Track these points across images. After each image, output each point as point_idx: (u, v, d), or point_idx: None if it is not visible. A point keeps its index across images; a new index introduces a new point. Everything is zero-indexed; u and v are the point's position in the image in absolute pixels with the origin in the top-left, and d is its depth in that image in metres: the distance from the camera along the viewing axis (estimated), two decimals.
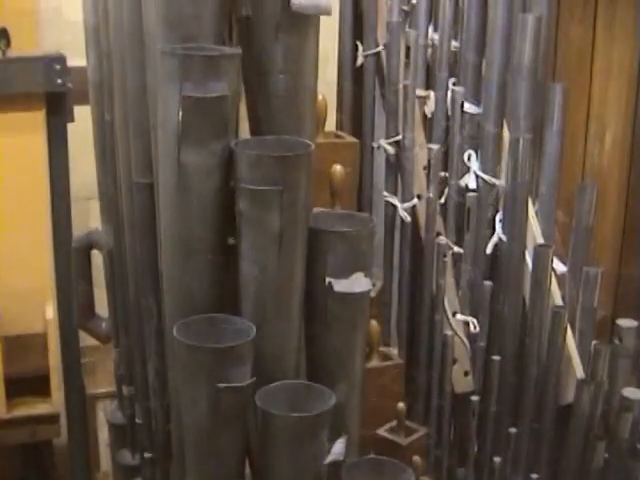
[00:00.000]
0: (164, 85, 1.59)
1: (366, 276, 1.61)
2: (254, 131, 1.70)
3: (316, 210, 1.67)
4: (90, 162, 2.88)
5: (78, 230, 3.30)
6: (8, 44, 3.40)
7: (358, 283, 1.60)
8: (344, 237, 1.59)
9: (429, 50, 2.62)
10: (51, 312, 2.80)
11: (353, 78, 2.72)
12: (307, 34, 1.68)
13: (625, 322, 2.41)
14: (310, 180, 1.56)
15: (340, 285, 1.59)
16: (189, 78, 1.54)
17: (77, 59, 3.11)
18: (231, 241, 1.62)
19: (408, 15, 2.61)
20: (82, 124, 3.26)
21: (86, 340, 2.84)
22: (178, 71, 1.54)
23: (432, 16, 2.62)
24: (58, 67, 3.35)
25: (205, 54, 1.56)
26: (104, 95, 2.50)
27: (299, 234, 1.55)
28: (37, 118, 3.38)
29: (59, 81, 3.35)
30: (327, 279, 1.58)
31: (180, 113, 1.55)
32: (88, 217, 3.66)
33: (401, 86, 2.46)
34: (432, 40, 2.60)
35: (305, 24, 1.66)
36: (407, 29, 2.50)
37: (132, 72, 2.04)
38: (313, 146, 1.56)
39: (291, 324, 1.60)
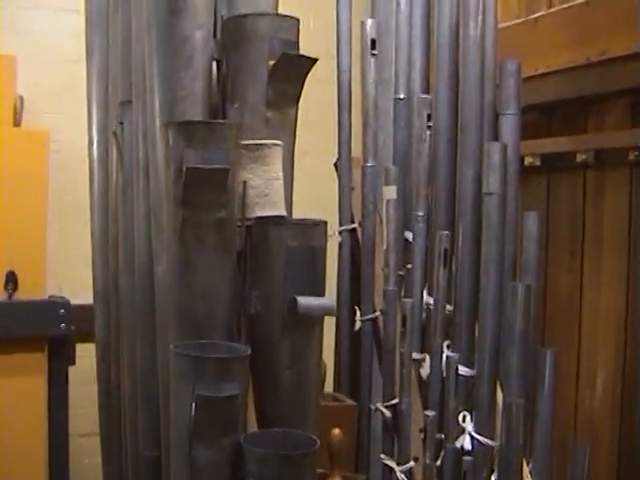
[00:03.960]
0: (177, 382, 1.67)
1: None
2: (261, 423, 1.77)
3: None
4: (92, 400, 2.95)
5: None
6: (15, 287, 3.53)
7: None
8: None
9: (424, 313, 2.72)
10: None
11: (351, 341, 2.82)
12: (312, 332, 1.79)
13: None
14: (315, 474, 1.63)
15: None
16: (202, 378, 1.62)
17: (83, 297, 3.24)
18: None
19: (404, 279, 2.73)
20: (84, 362, 3.36)
21: None
22: (191, 372, 1.63)
23: (427, 280, 2.73)
24: (62, 312, 3.47)
25: (217, 356, 1.65)
26: (111, 354, 2.59)
27: None
28: (38, 360, 3.46)
29: (62, 325, 3.45)
30: None
31: (193, 411, 1.62)
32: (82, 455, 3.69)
33: (397, 353, 2.55)
34: (427, 304, 2.71)
35: (310, 323, 1.77)
36: (403, 298, 2.61)
37: (142, 345, 2.13)
38: (318, 443, 1.63)
39: None
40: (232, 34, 1.92)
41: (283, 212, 1.85)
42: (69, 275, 3.92)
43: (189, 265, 1.75)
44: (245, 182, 1.81)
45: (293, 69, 1.88)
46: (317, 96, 3.38)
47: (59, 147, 3.86)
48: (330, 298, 1.78)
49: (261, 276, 1.80)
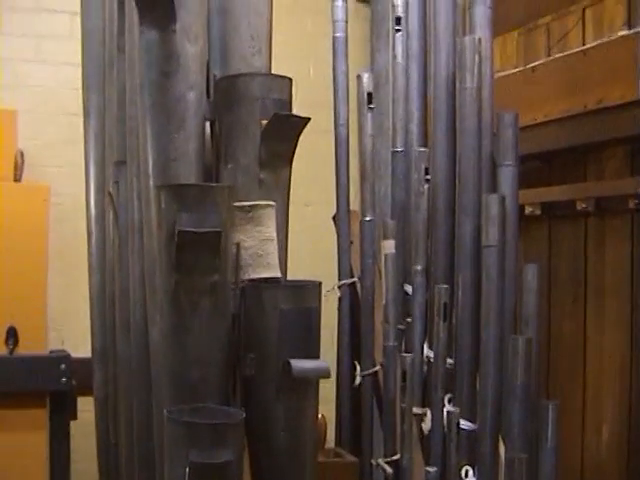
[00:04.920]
0: (171, 448, 1.65)
1: None
2: None
3: None
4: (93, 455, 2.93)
5: None
6: (16, 342, 3.52)
7: None
8: None
9: (425, 367, 2.70)
10: None
11: (351, 396, 2.80)
12: (307, 394, 1.77)
13: None
14: None
15: None
16: (196, 444, 1.60)
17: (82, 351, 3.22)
18: None
19: (404, 333, 2.71)
20: (86, 415, 3.34)
21: None
22: (185, 437, 1.61)
23: (427, 333, 2.72)
24: (63, 366, 3.45)
25: (211, 422, 1.63)
26: (108, 411, 2.57)
27: None
28: (39, 415, 3.44)
29: (63, 380, 3.43)
30: None
31: (187, 477, 1.60)
32: None
33: (398, 408, 2.53)
34: (428, 357, 2.69)
35: (305, 386, 1.75)
36: (403, 352, 2.59)
37: (139, 406, 2.11)
38: None
39: None
40: (224, 94, 1.93)
41: (277, 273, 1.84)
42: (71, 327, 3.90)
43: (182, 329, 1.74)
44: (238, 243, 1.80)
45: (285, 129, 1.87)
46: (318, 146, 3.40)
47: (60, 200, 3.87)
48: (324, 361, 1.75)
49: (255, 338, 1.79)
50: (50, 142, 4.03)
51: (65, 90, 3.92)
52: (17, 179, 3.61)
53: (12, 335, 3.50)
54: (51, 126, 4.04)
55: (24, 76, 4.08)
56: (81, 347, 3.45)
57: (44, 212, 3.57)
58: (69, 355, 3.51)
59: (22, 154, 3.66)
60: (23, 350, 3.52)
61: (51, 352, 3.58)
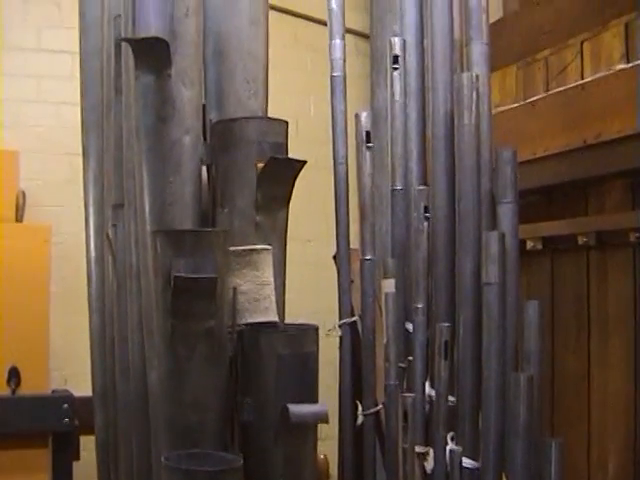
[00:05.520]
0: None
1: None
2: None
3: None
4: None
5: None
6: (18, 383, 3.51)
7: None
8: None
9: (427, 405, 2.68)
10: None
11: (354, 436, 2.78)
12: (305, 439, 1.76)
13: None
14: None
15: None
16: None
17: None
18: None
19: (405, 371, 2.69)
20: (89, 455, 3.31)
21: None
22: None
23: (428, 371, 2.70)
24: (65, 406, 3.44)
25: (208, 469, 1.63)
26: (109, 454, 2.56)
27: None
28: (42, 456, 3.43)
29: (66, 420, 3.43)
30: None
31: None
32: None
33: (400, 448, 2.51)
34: (429, 395, 2.67)
35: (303, 431, 1.74)
36: (405, 392, 2.57)
37: (138, 450, 2.11)
38: None
39: None
40: (221, 138, 1.93)
41: (274, 317, 1.84)
42: (74, 365, 3.90)
43: (179, 374, 1.73)
44: (235, 288, 1.80)
45: (282, 172, 1.88)
46: (319, 182, 3.40)
47: (62, 239, 3.88)
48: (323, 404, 1.74)
49: (253, 383, 1.78)
50: (51, 182, 4.05)
51: (66, 130, 3.94)
52: (19, 219, 3.62)
53: (14, 375, 3.50)
54: (52, 166, 4.06)
55: (25, 116, 4.10)
56: (84, 385, 3.43)
57: (46, 252, 3.58)
58: (71, 395, 3.50)
59: (24, 194, 3.67)
60: (25, 389, 3.51)
61: (53, 392, 3.58)
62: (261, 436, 1.77)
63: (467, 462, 2.57)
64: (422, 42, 2.87)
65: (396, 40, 2.79)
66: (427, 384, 2.73)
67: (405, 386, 2.71)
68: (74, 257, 3.79)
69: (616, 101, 2.98)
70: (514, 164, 2.62)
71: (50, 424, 3.43)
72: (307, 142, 4.11)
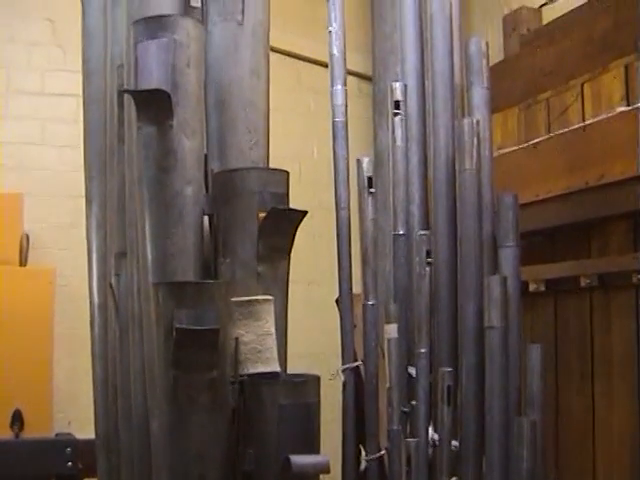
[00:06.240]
0: None
1: None
2: None
3: None
4: None
5: None
6: (22, 426, 3.51)
7: None
8: None
9: (430, 449, 2.67)
10: None
11: None
12: None
13: None
14: None
15: None
16: None
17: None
18: None
19: (408, 416, 2.69)
20: None
21: None
22: None
23: (431, 416, 2.70)
24: (69, 450, 3.42)
25: None
26: None
27: None
28: None
29: (69, 464, 3.41)
30: None
31: None
32: None
33: None
34: (433, 440, 2.67)
35: None
36: (408, 436, 2.57)
37: None
38: None
39: None
40: (222, 188, 1.94)
41: (276, 368, 1.84)
42: (78, 407, 3.89)
43: (181, 425, 1.74)
44: (237, 338, 1.80)
45: (283, 223, 1.89)
46: (322, 224, 3.41)
47: (65, 282, 3.88)
48: (324, 455, 1.74)
49: (254, 434, 1.78)
50: (55, 224, 4.06)
51: (70, 173, 3.96)
52: (23, 262, 3.63)
53: (17, 419, 3.50)
54: (56, 209, 4.08)
55: (30, 159, 4.12)
56: (88, 428, 3.42)
57: (49, 295, 3.58)
58: (75, 438, 3.48)
59: (27, 237, 3.69)
60: (29, 432, 3.50)
61: (57, 435, 3.57)
62: None
63: None
64: (423, 85, 2.88)
65: (397, 85, 2.81)
66: (430, 429, 2.72)
67: (408, 431, 2.71)
68: (78, 299, 3.80)
69: (618, 143, 2.99)
70: (515, 208, 2.63)
71: (53, 468, 3.41)
72: (310, 184, 4.14)
